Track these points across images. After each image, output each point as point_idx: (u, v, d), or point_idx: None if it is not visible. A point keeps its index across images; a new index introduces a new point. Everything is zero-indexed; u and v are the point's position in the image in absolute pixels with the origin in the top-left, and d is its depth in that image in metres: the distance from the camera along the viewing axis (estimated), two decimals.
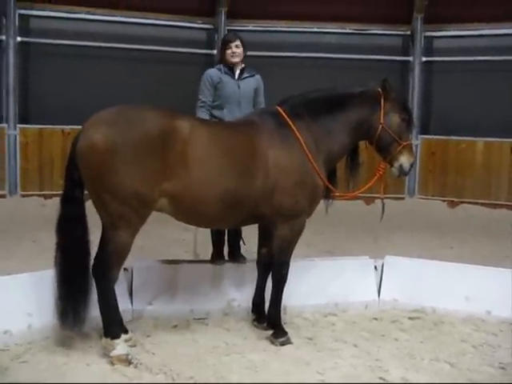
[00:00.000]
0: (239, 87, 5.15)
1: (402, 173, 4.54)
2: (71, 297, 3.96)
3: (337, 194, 4.57)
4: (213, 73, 5.20)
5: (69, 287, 3.96)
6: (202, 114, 5.10)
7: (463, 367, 4.07)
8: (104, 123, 3.86)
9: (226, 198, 4.09)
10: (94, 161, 3.78)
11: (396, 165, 4.50)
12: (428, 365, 4.10)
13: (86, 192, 3.99)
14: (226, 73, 5.17)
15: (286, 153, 4.27)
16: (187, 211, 4.12)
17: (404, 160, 4.48)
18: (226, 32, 9.96)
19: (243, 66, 5.23)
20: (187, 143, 3.96)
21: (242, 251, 5.36)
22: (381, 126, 4.42)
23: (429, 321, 4.91)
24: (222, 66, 5.20)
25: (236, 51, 5.15)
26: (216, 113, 5.16)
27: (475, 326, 4.80)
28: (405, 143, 4.48)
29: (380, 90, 4.46)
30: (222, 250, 5.34)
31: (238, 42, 5.17)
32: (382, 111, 4.42)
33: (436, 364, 4.12)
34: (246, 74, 5.23)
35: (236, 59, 5.15)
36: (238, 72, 5.19)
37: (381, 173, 4.57)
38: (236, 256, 5.32)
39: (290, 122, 4.35)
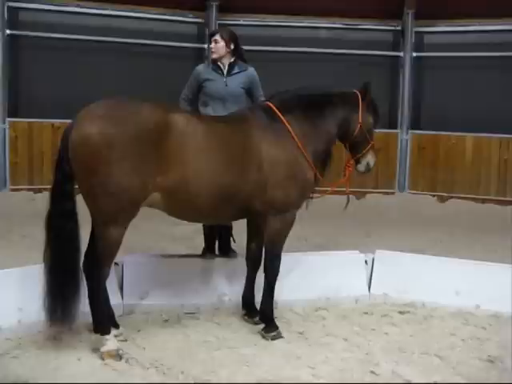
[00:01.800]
0: (226, 84, 5.03)
1: (367, 170, 4.79)
2: (60, 293, 3.92)
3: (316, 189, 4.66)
4: (201, 69, 5.12)
5: (58, 284, 3.92)
6: (183, 106, 5.07)
7: (452, 360, 4.09)
8: (98, 116, 3.81)
9: (220, 192, 4.09)
10: (88, 153, 3.73)
11: (363, 162, 4.75)
12: (418, 358, 4.13)
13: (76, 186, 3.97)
14: (213, 69, 5.06)
15: (279, 146, 4.30)
16: (180, 206, 4.11)
17: (370, 158, 4.75)
18: (217, 26, 9.94)
19: (232, 60, 5.08)
20: (182, 137, 3.94)
21: (232, 246, 5.36)
22: (359, 126, 4.59)
23: (419, 315, 4.94)
24: (210, 63, 5.13)
25: (213, 46, 5.01)
26: (202, 110, 5.09)
27: (464, 320, 4.84)
28: (372, 143, 4.72)
29: (358, 91, 4.63)
30: (214, 245, 5.34)
31: (216, 37, 5.01)
32: (361, 112, 4.57)
33: (426, 357, 4.14)
34: (236, 70, 5.07)
35: (214, 55, 5.02)
36: (225, 68, 5.06)
37: (350, 169, 4.76)
38: (226, 250, 5.31)
39: (282, 117, 4.38)
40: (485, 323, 4.76)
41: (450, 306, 4.98)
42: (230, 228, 5.24)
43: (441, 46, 10.53)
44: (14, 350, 3.99)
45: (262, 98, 5.11)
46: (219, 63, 5.07)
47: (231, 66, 5.08)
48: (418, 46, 10.60)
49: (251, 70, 5.17)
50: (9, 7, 9.34)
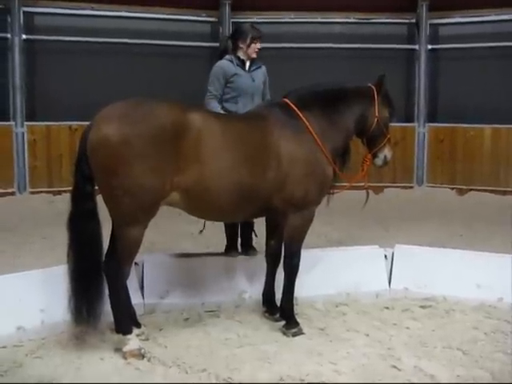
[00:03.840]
0: (253, 80, 5.13)
1: (385, 163, 4.79)
2: (85, 294, 3.96)
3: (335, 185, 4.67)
4: (226, 65, 5.11)
5: (82, 284, 3.96)
6: (214, 106, 5.03)
7: (475, 354, 4.06)
8: (116, 116, 3.83)
9: (239, 190, 4.09)
10: (107, 154, 3.75)
11: (381, 156, 4.74)
12: (440, 352, 4.10)
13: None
14: (238, 65, 5.11)
15: (297, 143, 4.30)
16: (199, 205, 4.12)
17: (387, 151, 4.74)
18: (231, 25, 9.94)
19: None
20: (200, 136, 3.95)
21: (253, 244, 5.36)
22: (376, 120, 4.59)
23: (440, 309, 4.90)
24: (233, 58, 5.13)
25: (259, 47, 5.15)
26: (229, 106, 5.09)
27: (487, 314, 4.79)
28: (389, 136, 4.71)
29: (373, 85, 4.62)
30: (236, 242, 5.35)
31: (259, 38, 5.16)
32: (377, 106, 4.57)
33: (448, 352, 4.12)
34: (254, 66, 5.20)
35: (255, 55, 5.16)
36: (248, 64, 5.16)
37: (368, 164, 4.75)
38: (247, 248, 5.32)
39: (300, 113, 4.37)
40: (508, 316, 4.71)
41: (472, 299, 4.94)
42: (252, 225, 5.26)
43: (456, 37, 10.43)
44: (37, 351, 4.04)
45: (269, 97, 5.24)
46: (244, 59, 5.15)
47: (251, 62, 5.20)
48: (433, 38, 10.52)
49: (264, 68, 5.32)
50: (24, 12, 9.45)
